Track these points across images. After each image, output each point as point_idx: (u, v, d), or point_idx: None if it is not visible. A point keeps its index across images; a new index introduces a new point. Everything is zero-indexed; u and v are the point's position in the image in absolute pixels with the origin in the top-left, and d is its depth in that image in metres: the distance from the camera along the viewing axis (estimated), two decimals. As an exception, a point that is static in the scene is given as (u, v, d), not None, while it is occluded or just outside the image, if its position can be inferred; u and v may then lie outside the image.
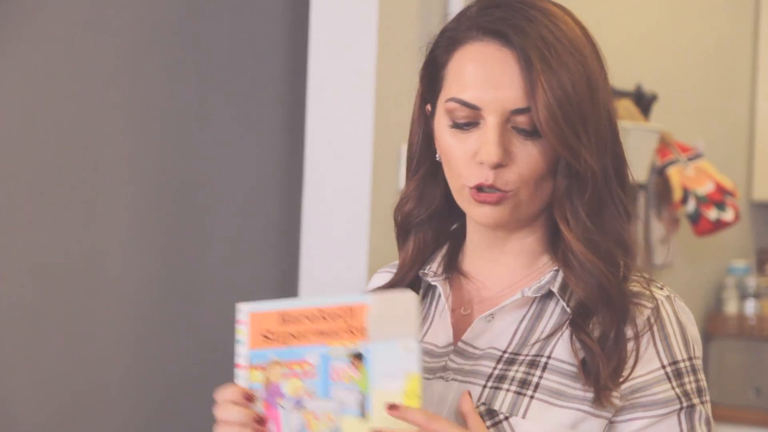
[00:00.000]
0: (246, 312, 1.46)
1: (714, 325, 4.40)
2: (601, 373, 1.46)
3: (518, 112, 1.47)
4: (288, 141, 3.37)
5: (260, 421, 1.45)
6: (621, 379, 1.47)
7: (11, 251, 2.85)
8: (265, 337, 1.45)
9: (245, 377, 1.46)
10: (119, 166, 3.05)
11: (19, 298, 2.86)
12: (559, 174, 1.50)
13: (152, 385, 3.14)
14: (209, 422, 1.53)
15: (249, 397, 1.46)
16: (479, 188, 1.49)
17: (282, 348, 1.44)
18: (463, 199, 1.53)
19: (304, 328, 1.43)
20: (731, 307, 4.46)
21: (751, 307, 4.44)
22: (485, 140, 1.48)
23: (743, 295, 4.48)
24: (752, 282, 4.49)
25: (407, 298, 1.40)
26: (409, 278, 1.62)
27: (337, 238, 3.10)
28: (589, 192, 1.49)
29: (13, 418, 2.85)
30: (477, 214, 1.52)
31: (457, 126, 1.51)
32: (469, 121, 1.50)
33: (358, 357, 1.41)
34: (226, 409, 1.46)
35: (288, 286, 3.36)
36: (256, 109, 3.33)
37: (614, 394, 1.47)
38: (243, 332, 1.46)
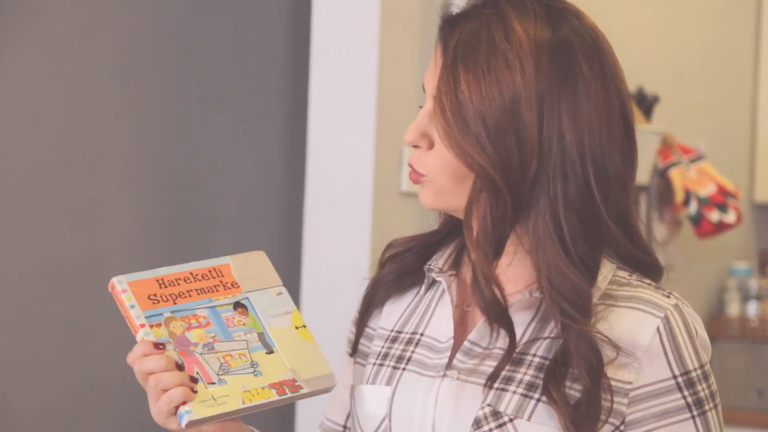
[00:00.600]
0: (124, 281, 1.55)
1: (716, 327, 4.40)
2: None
3: None
4: (290, 142, 3.37)
5: (179, 366, 1.49)
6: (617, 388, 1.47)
7: (12, 250, 2.85)
8: (152, 299, 1.54)
9: (149, 334, 1.53)
10: (121, 164, 3.05)
11: (20, 297, 2.86)
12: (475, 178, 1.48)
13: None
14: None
15: (159, 346, 1.51)
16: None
17: (172, 306, 1.54)
18: None
19: (185, 288, 1.56)
20: (733, 309, 4.46)
21: (753, 309, 4.44)
22: None
23: (745, 297, 4.48)
24: (754, 284, 4.49)
25: (259, 255, 1.63)
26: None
27: (339, 239, 3.09)
28: (498, 205, 1.46)
29: (14, 417, 2.85)
30: None
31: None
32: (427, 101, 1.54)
33: (242, 305, 1.57)
34: (144, 362, 1.52)
35: (290, 286, 3.35)
36: (258, 110, 3.33)
37: (621, 400, 1.47)
38: (129, 298, 1.54)
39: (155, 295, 1.54)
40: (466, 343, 1.54)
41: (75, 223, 2.96)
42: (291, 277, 3.35)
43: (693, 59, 4.42)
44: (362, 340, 1.67)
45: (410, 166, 1.53)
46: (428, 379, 1.53)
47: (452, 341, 1.54)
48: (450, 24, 1.51)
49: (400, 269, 1.65)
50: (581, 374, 1.45)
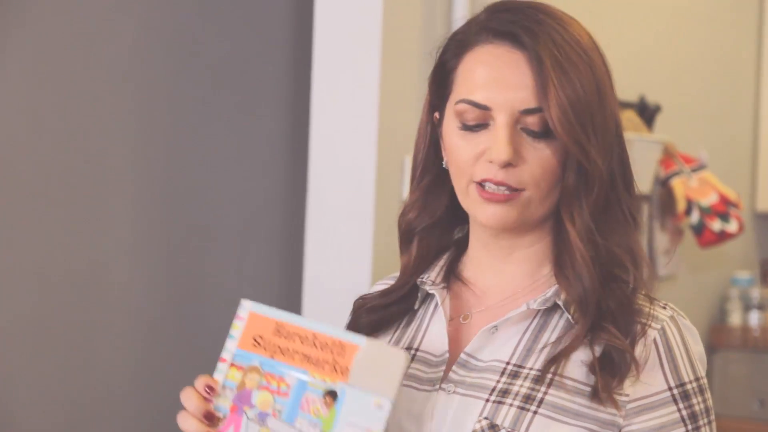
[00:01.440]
0: (247, 310, 1.48)
1: (718, 337, 4.39)
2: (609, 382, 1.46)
3: (528, 112, 1.48)
4: (292, 151, 3.37)
5: (210, 416, 1.46)
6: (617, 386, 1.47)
7: (15, 258, 2.85)
8: (255, 341, 1.46)
9: (223, 372, 1.47)
10: (123, 171, 3.05)
11: (23, 305, 2.86)
12: (568, 173, 1.49)
13: (157, 392, 3.14)
14: None
15: (210, 390, 1.47)
16: (485, 185, 1.49)
17: (266, 358, 1.44)
18: (468, 199, 1.52)
19: (294, 346, 1.43)
20: (735, 318, 4.46)
21: (755, 318, 4.44)
22: (495, 139, 1.48)
23: (747, 307, 4.47)
24: (756, 293, 4.49)
25: (399, 356, 1.41)
26: (408, 285, 1.62)
27: (341, 248, 3.09)
28: (596, 192, 1.49)
29: (16, 424, 2.85)
30: (483, 215, 1.51)
31: (466, 128, 1.51)
32: (478, 122, 1.50)
33: (332, 395, 1.41)
34: (186, 395, 1.49)
35: (292, 295, 3.36)
36: (260, 120, 3.33)
37: (618, 413, 1.46)
38: (238, 328, 1.47)
39: (261, 337, 1.46)
40: (462, 356, 1.53)
41: (79, 230, 2.96)
42: (292, 286, 3.35)
43: (695, 69, 4.42)
44: None
45: (496, 184, 1.49)
46: (425, 394, 1.53)
47: (447, 355, 1.54)
48: (523, 36, 1.50)
49: (396, 285, 1.64)
50: (620, 325, 1.47)
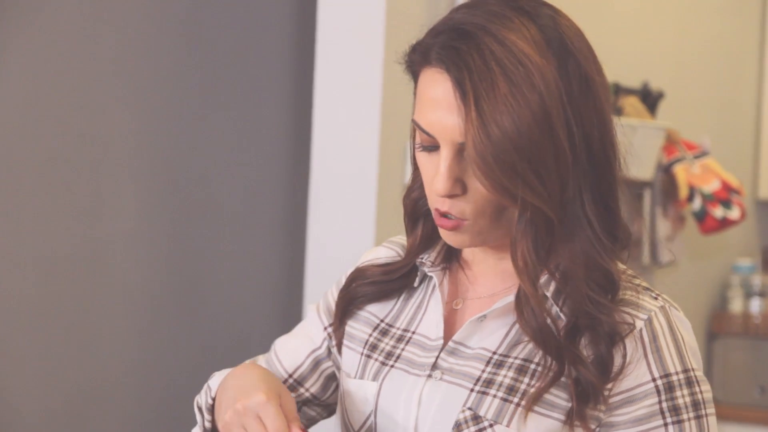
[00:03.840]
0: None
1: (719, 324, 4.39)
2: (590, 396, 1.43)
3: (464, 144, 1.42)
4: (295, 136, 3.37)
5: None
6: (605, 396, 1.44)
7: (15, 244, 2.85)
8: None
9: None
10: (125, 157, 3.04)
11: (22, 291, 2.86)
12: (509, 210, 1.44)
13: (157, 378, 3.14)
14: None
15: None
16: (437, 210, 1.47)
17: None
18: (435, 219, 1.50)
19: None
20: (736, 305, 4.46)
21: (756, 305, 4.43)
22: (437, 171, 1.43)
23: (748, 294, 4.47)
24: (757, 280, 4.48)
25: None
26: (412, 264, 1.60)
27: (344, 234, 3.09)
28: (543, 230, 1.43)
29: (16, 412, 2.85)
30: (444, 237, 1.49)
31: (424, 148, 1.47)
32: (431, 144, 1.45)
33: None
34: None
35: (294, 281, 3.36)
36: (263, 105, 3.32)
37: (599, 407, 1.44)
38: None
39: None
40: (450, 343, 1.52)
41: (79, 216, 2.95)
42: (294, 271, 3.35)
43: (698, 55, 4.41)
44: (348, 321, 1.64)
45: (445, 214, 1.45)
46: (414, 378, 1.52)
47: (441, 341, 1.53)
48: (451, 64, 1.41)
49: (401, 264, 1.62)
50: (597, 343, 1.43)
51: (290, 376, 1.67)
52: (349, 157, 3.08)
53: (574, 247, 1.44)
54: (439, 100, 1.43)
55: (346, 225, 3.08)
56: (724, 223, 4.04)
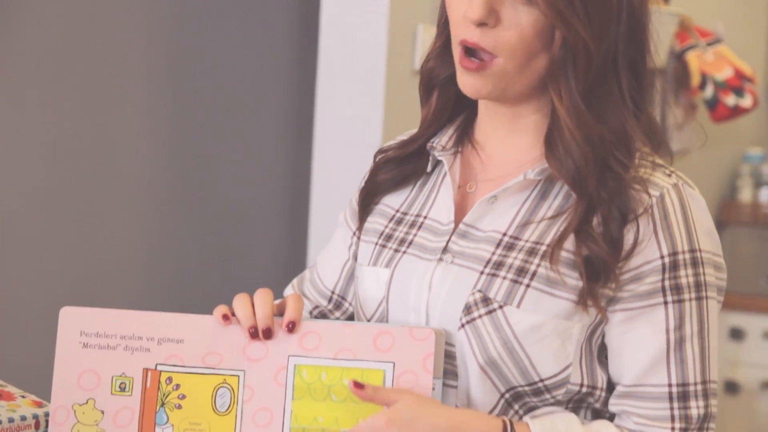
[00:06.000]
0: None
1: (728, 213, 4.39)
2: (602, 273, 1.43)
3: None
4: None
5: (270, 333, 1.47)
6: (617, 273, 1.44)
7: (22, 133, 2.83)
8: None
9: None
10: (135, 49, 3.03)
11: (32, 181, 2.85)
12: (554, 44, 1.44)
13: (165, 268, 3.15)
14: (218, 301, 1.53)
15: (293, 326, 1.47)
16: (466, 50, 1.46)
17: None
18: (456, 63, 1.49)
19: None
20: (745, 194, 4.45)
21: (765, 195, 4.43)
22: (471, 1, 1.43)
23: (758, 183, 4.46)
24: (767, 170, 4.47)
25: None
26: (425, 138, 1.59)
27: (352, 126, 3.07)
28: (585, 70, 1.43)
29: (23, 302, 2.86)
30: (460, 83, 1.48)
31: None
32: None
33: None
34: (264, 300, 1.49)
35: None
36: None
37: (610, 285, 1.44)
38: None
39: None
40: (462, 226, 1.52)
41: (90, 110, 2.94)
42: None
43: (713, -60, 4.35)
44: (367, 218, 1.64)
45: (471, 45, 1.45)
46: (425, 263, 1.52)
47: (452, 224, 1.53)
48: None
49: (415, 136, 1.62)
50: (609, 220, 1.43)
51: (333, 292, 1.69)
52: (357, 45, 3.05)
53: (603, 104, 1.45)
54: None
55: (356, 110, 3.06)
56: (736, 111, 4.02)
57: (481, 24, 1.43)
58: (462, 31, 1.45)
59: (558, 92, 1.44)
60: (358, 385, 1.42)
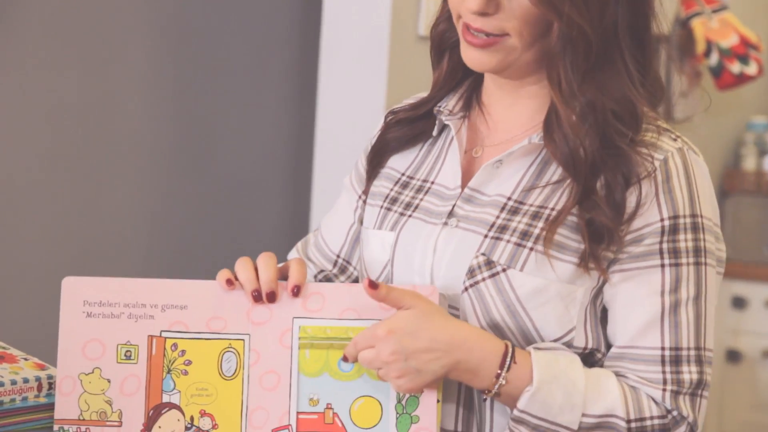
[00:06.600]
0: None
1: (731, 181, 4.38)
2: (605, 237, 1.43)
3: None
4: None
5: (273, 297, 1.47)
6: (620, 236, 1.44)
7: (26, 101, 2.82)
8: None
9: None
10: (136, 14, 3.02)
11: (35, 143, 2.85)
12: (552, 33, 1.44)
13: (167, 227, 3.15)
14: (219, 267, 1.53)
15: (298, 290, 1.47)
16: (468, 27, 1.46)
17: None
18: (460, 35, 1.50)
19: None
20: (749, 163, 4.44)
21: (769, 163, 4.42)
22: None
23: (762, 152, 4.45)
24: (771, 138, 4.47)
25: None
26: (438, 98, 1.60)
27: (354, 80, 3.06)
28: (581, 51, 1.43)
29: (25, 266, 2.86)
30: (465, 57, 1.49)
31: None
32: None
33: None
34: (268, 264, 1.49)
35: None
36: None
37: (612, 248, 1.44)
38: None
39: None
40: (467, 190, 1.52)
41: (89, 70, 2.93)
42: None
43: None
44: (373, 180, 1.65)
45: (478, 30, 1.45)
46: (430, 227, 1.53)
47: (459, 189, 1.53)
48: None
49: (425, 99, 1.62)
50: (613, 184, 1.43)
51: (338, 256, 1.70)
52: (363, 11, 3.03)
53: (605, 76, 1.44)
54: None
55: (359, 75, 3.05)
56: (741, 79, 4.01)
57: (482, 14, 1.44)
58: (461, 13, 1.47)
59: (553, 77, 1.45)
60: (372, 285, 1.42)
